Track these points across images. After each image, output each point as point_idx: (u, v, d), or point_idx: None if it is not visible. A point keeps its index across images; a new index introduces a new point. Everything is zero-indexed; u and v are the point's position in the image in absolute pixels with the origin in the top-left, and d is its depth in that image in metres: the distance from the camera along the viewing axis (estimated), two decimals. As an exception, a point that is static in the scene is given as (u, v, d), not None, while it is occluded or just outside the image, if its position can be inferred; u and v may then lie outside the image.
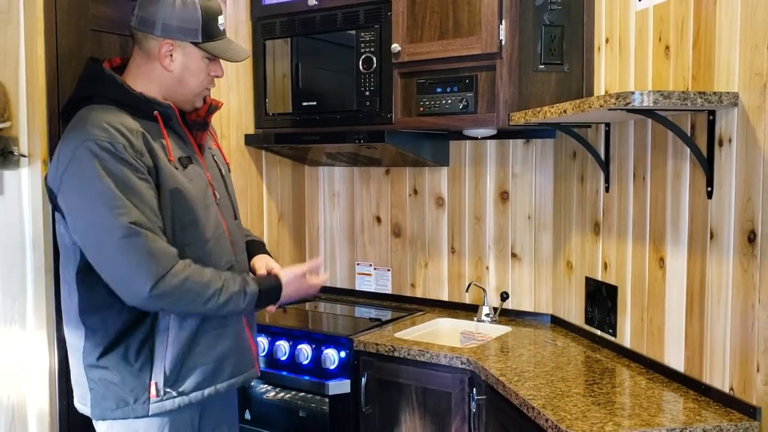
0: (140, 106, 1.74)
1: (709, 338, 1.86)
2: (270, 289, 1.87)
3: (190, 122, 1.87)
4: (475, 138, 2.88)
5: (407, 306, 3.14)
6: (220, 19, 1.82)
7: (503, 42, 2.39)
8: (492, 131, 2.68)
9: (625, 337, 2.28)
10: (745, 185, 1.72)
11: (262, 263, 2.03)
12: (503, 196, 2.94)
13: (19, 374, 2.13)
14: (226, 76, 2.91)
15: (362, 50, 2.74)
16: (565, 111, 1.98)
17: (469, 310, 2.97)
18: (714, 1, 1.81)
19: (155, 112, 1.75)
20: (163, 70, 1.79)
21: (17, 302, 2.13)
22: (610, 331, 2.36)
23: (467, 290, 2.98)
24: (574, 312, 2.63)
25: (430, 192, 3.14)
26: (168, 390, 1.76)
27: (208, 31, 1.78)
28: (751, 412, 1.71)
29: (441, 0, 2.53)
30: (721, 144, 1.81)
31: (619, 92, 1.72)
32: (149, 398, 1.75)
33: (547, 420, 1.76)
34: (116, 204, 1.62)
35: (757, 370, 1.69)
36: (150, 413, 1.75)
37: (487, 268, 2.99)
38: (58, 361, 2.22)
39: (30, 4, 2.13)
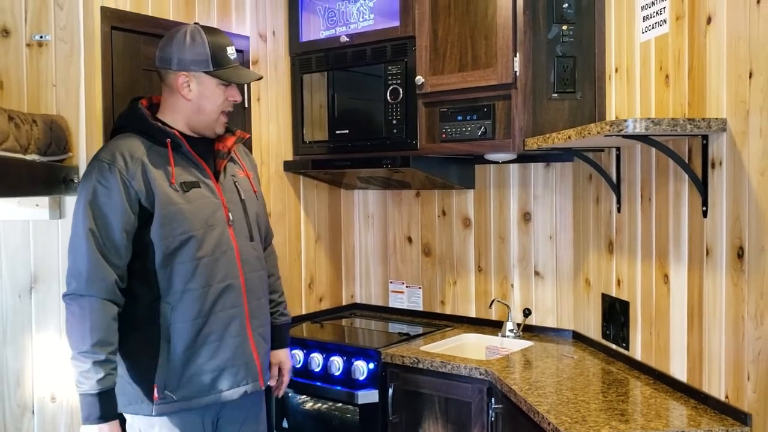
0: (156, 135, 2.00)
1: (707, 349, 1.97)
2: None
3: (215, 151, 2.10)
4: (497, 162, 3.04)
5: (437, 322, 3.30)
6: (229, 50, 2.05)
7: (518, 73, 2.56)
8: (512, 155, 2.83)
9: (637, 350, 2.39)
10: (734, 205, 1.84)
11: (275, 361, 2.30)
12: (526, 216, 3.08)
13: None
14: (265, 107, 3.16)
15: (390, 82, 2.94)
16: (569, 137, 2.13)
17: (495, 326, 3.11)
18: (704, 34, 1.95)
19: (167, 139, 2.00)
20: (184, 100, 2.04)
21: (76, 314, 2.36)
22: (624, 344, 2.47)
23: (490, 307, 3.12)
24: (593, 327, 2.74)
25: (457, 213, 3.30)
26: (168, 394, 1.94)
27: (218, 60, 2.02)
28: (742, 418, 1.81)
29: (460, 35, 2.72)
30: (713, 166, 1.93)
31: (614, 120, 1.87)
32: (153, 399, 1.94)
33: (549, 423, 1.90)
34: (88, 213, 1.90)
35: (748, 379, 1.79)
36: (154, 413, 1.95)
37: (512, 285, 3.13)
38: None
39: (89, 46, 2.41)
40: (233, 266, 2.04)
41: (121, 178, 1.91)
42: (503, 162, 3.04)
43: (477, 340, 3.05)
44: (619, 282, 2.51)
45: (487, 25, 2.64)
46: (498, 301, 3.08)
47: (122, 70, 2.55)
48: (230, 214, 2.06)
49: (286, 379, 2.36)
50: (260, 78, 2.20)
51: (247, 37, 3.05)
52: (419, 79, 2.83)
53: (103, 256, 1.89)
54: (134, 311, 1.96)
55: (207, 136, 2.11)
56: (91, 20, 2.41)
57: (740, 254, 1.82)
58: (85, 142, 2.39)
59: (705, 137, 1.95)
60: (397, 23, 2.93)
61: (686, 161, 2.03)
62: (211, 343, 1.99)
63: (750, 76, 1.77)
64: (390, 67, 2.95)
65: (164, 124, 2.04)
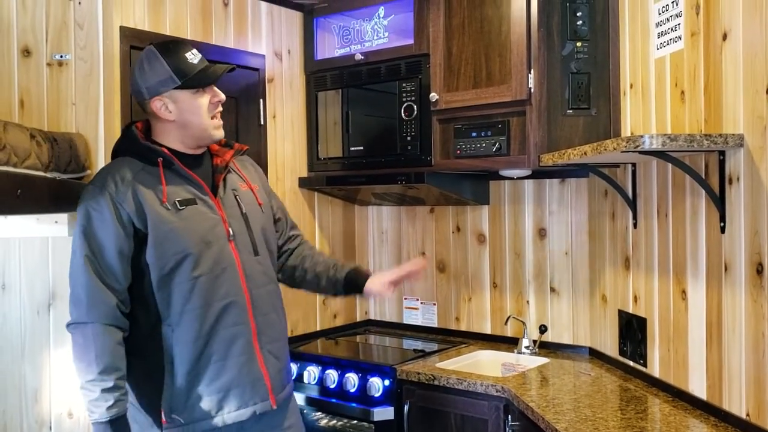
0: (147, 155, 1.97)
1: (727, 366, 1.96)
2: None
3: (214, 166, 2.07)
4: (512, 178, 3.04)
5: (452, 339, 3.29)
6: (189, 56, 1.96)
7: (532, 89, 2.57)
8: (527, 171, 2.84)
9: (655, 367, 2.37)
10: (752, 220, 1.83)
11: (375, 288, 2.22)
12: (541, 232, 3.08)
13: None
14: (281, 124, 3.18)
15: (404, 99, 2.96)
16: (585, 153, 2.13)
17: (511, 343, 3.10)
18: (720, 50, 1.95)
19: (158, 158, 1.97)
20: (168, 122, 1.99)
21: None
22: (641, 361, 2.45)
23: (506, 323, 3.11)
24: (609, 344, 2.73)
25: (472, 229, 3.30)
26: (176, 417, 1.90)
27: (181, 71, 1.94)
28: (764, 436, 1.79)
29: (474, 52, 2.74)
30: (731, 182, 1.92)
31: (630, 136, 1.87)
32: (162, 424, 1.90)
33: (567, 441, 1.89)
34: (83, 239, 1.89)
35: (769, 396, 1.78)
36: None
37: (528, 302, 3.12)
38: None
39: (108, 65, 2.44)
40: (235, 282, 1.98)
41: (111, 202, 1.89)
42: (518, 178, 3.04)
43: (492, 357, 3.03)
44: (636, 298, 2.50)
45: (502, 43, 2.66)
46: (513, 317, 3.07)
47: (140, 89, 2.58)
48: (231, 229, 2.00)
49: (408, 271, 2.28)
50: (233, 68, 2.07)
51: (263, 56, 3.08)
52: (433, 95, 2.84)
53: (102, 281, 1.87)
54: (136, 336, 1.93)
55: (207, 146, 2.07)
56: (110, 40, 2.45)
57: (759, 270, 1.80)
58: (104, 159, 2.42)
59: (722, 153, 1.95)
60: (411, 41, 2.95)
61: (703, 177, 2.03)
62: (214, 363, 1.93)
63: (767, 92, 1.76)
64: (404, 85, 2.97)
65: (159, 144, 2.00)
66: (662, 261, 2.30)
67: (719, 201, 1.96)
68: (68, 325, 1.90)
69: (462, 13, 2.78)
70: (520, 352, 2.99)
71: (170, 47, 1.99)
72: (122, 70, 2.49)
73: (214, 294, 1.94)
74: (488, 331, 3.24)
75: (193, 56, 1.98)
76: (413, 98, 2.94)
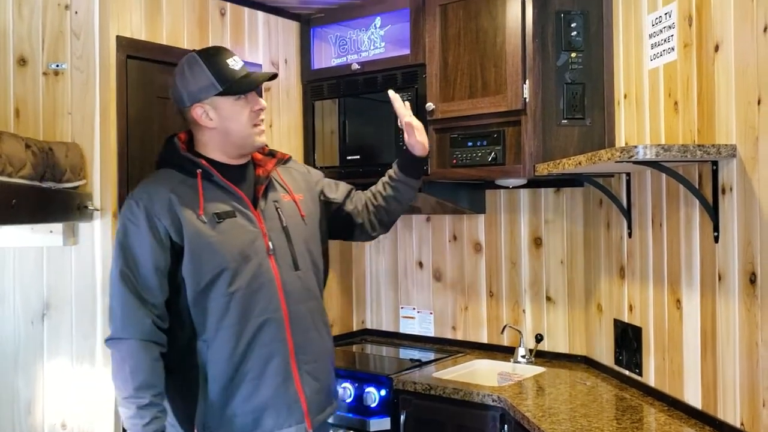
0: (187, 167, 1.93)
1: (721, 376, 1.96)
2: None
3: (257, 177, 2.00)
4: (508, 187, 3.05)
5: (448, 348, 3.29)
6: (231, 62, 1.93)
7: (527, 99, 2.58)
8: (522, 181, 2.84)
9: (650, 376, 2.37)
10: (745, 230, 1.84)
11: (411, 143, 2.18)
12: (537, 241, 3.08)
13: (89, 409, 2.37)
14: (277, 133, 3.19)
15: (400, 108, 2.96)
16: (580, 163, 2.14)
17: (507, 352, 3.10)
18: (712, 62, 1.96)
19: (197, 170, 1.93)
20: (209, 130, 1.94)
21: (88, 341, 2.38)
22: (637, 371, 2.45)
23: (502, 332, 3.11)
24: (605, 353, 2.73)
25: (468, 238, 3.31)
26: None
27: (223, 77, 1.90)
28: (758, 446, 1.79)
29: (470, 63, 2.75)
30: (724, 192, 1.93)
31: (624, 146, 1.87)
32: None
33: (562, 451, 1.88)
34: (120, 254, 1.86)
35: (763, 405, 1.77)
36: None
37: (524, 311, 3.12)
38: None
39: (105, 75, 2.45)
40: (274, 299, 1.90)
41: (147, 215, 1.84)
42: (513, 187, 3.05)
43: (489, 366, 3.03)
44: (631, 307, 2.50)
45: (497, 53, 2.67)
46: (510, 326, 3.07)
47: (137, 98, 2.59)
48: (270, 243, 1.92)
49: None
50: (274, 76, 2.02)
51: (260, 65, 3.09)
52: (430, 105, 2.85)
53: (138, 297, 1.82)
54: (171, 351, 1.88)
55: (249, 155, 2.01)
56: (106, 49, 2.46)
57: (753, 280, 1.81)
58: (100, 168, 2.43)
59: (715, 163, 1.95)
60: (407, 51, 2.96)
61: (697, 187, 2.03)
62: (249, 382, 1.86)
63: (759, 103, 1.77)
64: (401, 94, 2.96)
65: (199, 155, 1.96)
66: (657, 270, 2.31)
67: (713, 211, 1.96)
68: (107, 341, 1.86)
69: (458, 24, 2.80)
70: (516, 362, 2.98)
71: (211, 53, 1.96)
72: (118, 79, 2.50)
73: (251, 310, 1.87)
74: (485, 341, 3.24)
75: (235, 63, 1.95)
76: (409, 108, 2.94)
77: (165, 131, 2.69)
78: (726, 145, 1.87)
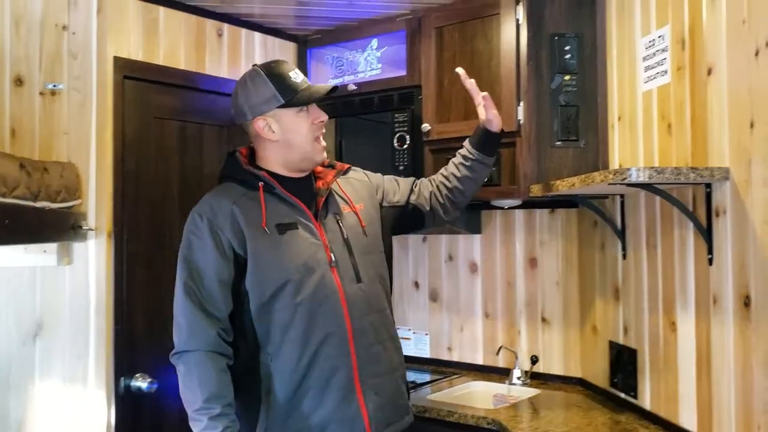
0: (249, 180, 1.94)
1: (716, 399, 1.95)
2: None
3: (317, 189, 1.99)
4: (503, 208, 3.05)
5: (444, 369, 3.27)
6: (292, 75, 1.93)
7: (521, 121, 2.59)
8: (518, 202, 2.85)
9: (645, 399, 2.36)
10: (739, 253, 1.84)
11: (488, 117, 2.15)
12: (532, 262, 3.08)
13: (81, 429, 2.35)
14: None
15: (396, 129, 2.98)
16: (574, 185, 2.14)
17: (502, 374, 3.08)
18: (705, 85, 1.98)
19: (259, 183, 1.93)
20: (271, 143, 1.94)
21: (81, 361, 2.37)
22: (632, 393, 2.44)
23: (497, 354, 3.09)
24: (600, 375, 2.72)
25: (464, 258, 3.30)
26: None
27: (285, 90, 1.90)
28: (754, 470, 1.78)
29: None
30: (717, 215, 1.93)
31: (617, 168, 1.88)
32: None
33: (556, 475, 1.87)
34: (184, 267, 1.86)
35: (758, 429, 1.76)
36: None
37: (519, 332, 3.11)
38: (116, 418, 2.42)
39: (102, 95, 2.46)
40: (338, 311, 1.87)
41: (210, 228, 1.85)
42: (509, 207, 3.05)
43: (485, 388, 3.02)
44: (626, 329, 2.49)
45: (492, 76, 2.69)
46: (505, 348, 3.06)
47: (133, 119, 2.60)
48: (332, 255, 1.91)
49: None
50: (335, 89, 2.00)
51: (257, 86, 3.11)
52: (426, 126, 2.87)
53: (202, 309, 1.82)
54: (235, 364, 1.87)
55: (310, 169, 2.01)
56: (103, 70, 2.47)
57: (747, 303, 1.81)
58: (95, 188, 2.43)
59: (708, 186, 1.96)
60: (404, 72, 2.98)
61: (690, 209, 2.04)
62: (312, 397, 1.84)
63: (752, 126, 1.78)
64: (397, 115, 2.99)
65: (260, 168, 1.95)
66: (651, 292, 2.31)
67: (707, 233, 1.96)
68: (172, 356, 1.84)
69: (454, 46, 2.82)
70: (511, 383, 2.97)
71: (273, 66, 1.96)
72: (115, 99, 2.51)
73: (315, 323, 1.85)
74: (480, 362, 3.23)
75: (296, 75, 1.95)
76: (406, 128, 2.96)
77: (162, 151, 2.72)
78: (719, 167, 1.88)
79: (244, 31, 3.07)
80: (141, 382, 2.51)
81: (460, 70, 2.20)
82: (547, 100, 2.61)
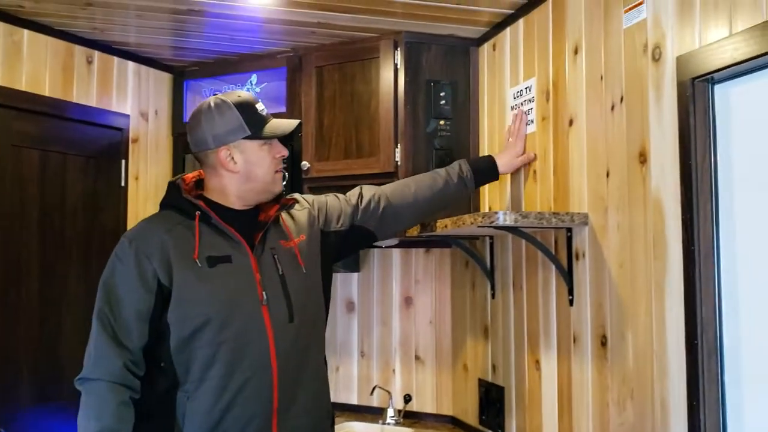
0: (186, 209, 1.84)
1: (576, 435, 2.03)
2: None
3: (258, 222, 1.90)
4: (381, 247, 3.08)
5: (318, 410, 3.21)
6: (258, 107, 1.89)
7: (399, 162, 2.65)
8: (395, 241, 2.88)
9: (512, 436, 2.43)
10: (596, 294, 1.95)
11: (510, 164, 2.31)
12: (408, 301, 3.12)
13: None
14: (144, 187, 3.08)
15: (274, 166, 2.95)
16: (446, 226, 2.20)
17: (376, 413, 3.07)
18: (567, 135, 2.10)
19: (196, 212, 1.83)
20: (231, 174, 1.86)
21: None
22: (499, 430, 2.50)
23: (372, 393, 3.09)
24: (470, 412, 2.77)
25: (342, 297, 3.29)
26: None
27: (252, 121, 1.85)
28: (609, 504, 1.86)
29: (345, 125, 2.80)
30: (577, 258, 2.04)
31: (486, 212, 1.95)
32: None
33: None
34: (102, 292, 1.77)
35: (613, 464, 1.86)
36: None
37: (394, 371, 3.13)
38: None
39: (-48, 121, 2.28)
40: (264, 354, 1.78)
41: (137, 255, 1.76)
42: (386, 246, 3.08)
43: (359, 429, 2.99)
44: (494, 367, 2.57)
45: (371, 117, 2.73)
46: (379, 387, 3.06)
47: (-11, 145, 2.43)
48: (265, 293, 1.81)
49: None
50: (299, 123, 1.96)
51: (128, 116, 3.00)
52: (305, 164, 2.86)
53: (113, 338, 1.73)
54: (149, 400, 1.76)
55: (266, 201, 1.93)
56: (-44, 92, 2.30)
57: (604, 342, 1.91)
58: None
59: (569, 230, 2.07)
60: (283, 109, 2.98)
61: (553, 252, 2.14)
62: None
63: (607, 175, 1.91)
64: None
65: (201, 198, 1.87)
66: (518, 331, 2.39)
67: (567, 275, 2.07)
68: (76, 380, 1.74)
69: (333, 86, 2.85)
70: (385, 423, 2.97)
71: (239, 95, 1.89)
72: (-31, 124, 2.33)
73: (238, 365, 1.76)
74: (355, 402, 3.20)
75: (262, 108, 1.90)
76: (284, 165, 2.91)
77: (19, 180, 2.56)
78: (579, 213, 1.99)
79: (116, 60, 2.96)
80: (-15, 432, 2.30)
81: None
82: (424, 143, 2.68)
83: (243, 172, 1.87)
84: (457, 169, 2.22)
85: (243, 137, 1.85)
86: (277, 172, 1.92)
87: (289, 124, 1.93)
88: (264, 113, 1.91)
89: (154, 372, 1.79)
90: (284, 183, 2.88)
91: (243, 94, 1.93)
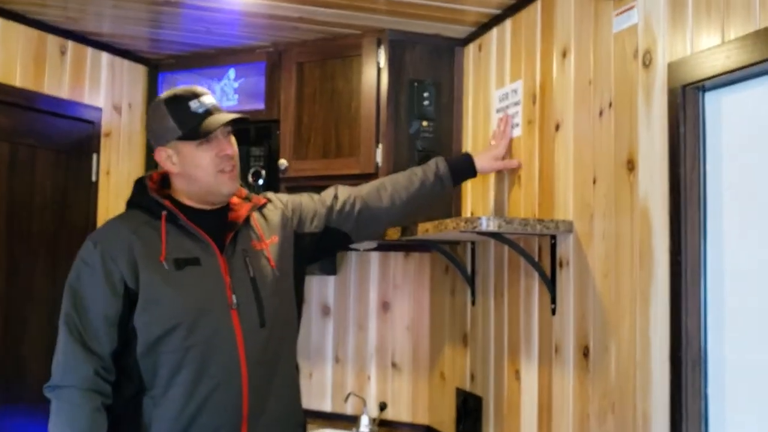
0: (152, 208, 1.76)
1: (556, 448, 1.98)
2: None
3: (228, 222, 1.82)
4: (359, 250, 3.01)
5: (290, 415, 3.13)
6: (192, 105, 1.75)
7: (379, 164, 2.58)
8: (373, 244, 2.81)
9: (489, 447, 2.37)
10: (580, 304, 1.90)
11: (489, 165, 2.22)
12: (385, 306, 3.05)
13: None
14: (116, 182, 2.98)
15: (252, 164, 2.87)
16: (427, 230, 2.14)
17: (350, 421, 3.00)
18: (553, 140, 2.05)
19: (163, 212, 1.75)
20: (174, 175, 1.78)
21: None
22: (477, 441, 2.45)
23: (346, 401, 3.02)
24: (446, 422, 2.71)
25: (317, 300, 3.22)
26: None
27: (184, 120, 1.74)
28: None
29: (325, 123, 2.72)
30: (561, 266, 1.99)
31: (468, 217, 1.89)
32: None
33: None
34: (68, 296, 1.70)
35: (593, 479, 1.80)
36: None
37: (369, 377, 3.05)
38: None
39: None
40: (233, 359, 1.71)
41: (102, 258, 1.69)
42: (365, 250, 3.01)
43: (331, 436, 2.92)
44: (473, 376, 2.51)
45: (351, 116, 2.66)
46: (354, 394, 2.99)
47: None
48: (234, 296, 1.74)
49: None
50: (240, 116, 1.79)
51: (100, 109, 2.90)
52: (283, 163, 2.78)
53: (82, 344, 1.67)
54: (115, 405, 1.71)
55: (220, 202, 1.82)
56: None
57: (586, 353, 1.86)
58: None
59: (553, 237, 2.02)
60: (261, 106, 2.89)
61: (536, 259, 2.09)
62: None
63: (594, 182, 1.86)
64: (253, 149, 2.88)
65: (167, 197, 1.79)
66: (498, 340, 2.34)
67: (551, 283, 2.02)
68: (45, 387, 1.68)
69: (314, 83, 2.77)
70: (359, 431, 2.89)
71: (177, 95, 1.77)
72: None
73: (206, 370, 1.70)
74: (328, 409, 3.13)
75: (199, 105, 1.75)
76: (261, 164, 2.86)
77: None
78: (564, 220, 1.94)
79: (90, 50, 2.86)
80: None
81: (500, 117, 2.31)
82: (405, 144, 2.62)
83: (183, 173, 1.78)
84: (434, 168, 2.13)
85: (176, 137, 1.75)
86: (222, 172, 1.77)
87: (219, 118, 1.77)
88: (201, 110, 1.75)
89: (120, 377, 1.73)
90: (261, 182, 2.84)
91: (182, 89, 1.81)
